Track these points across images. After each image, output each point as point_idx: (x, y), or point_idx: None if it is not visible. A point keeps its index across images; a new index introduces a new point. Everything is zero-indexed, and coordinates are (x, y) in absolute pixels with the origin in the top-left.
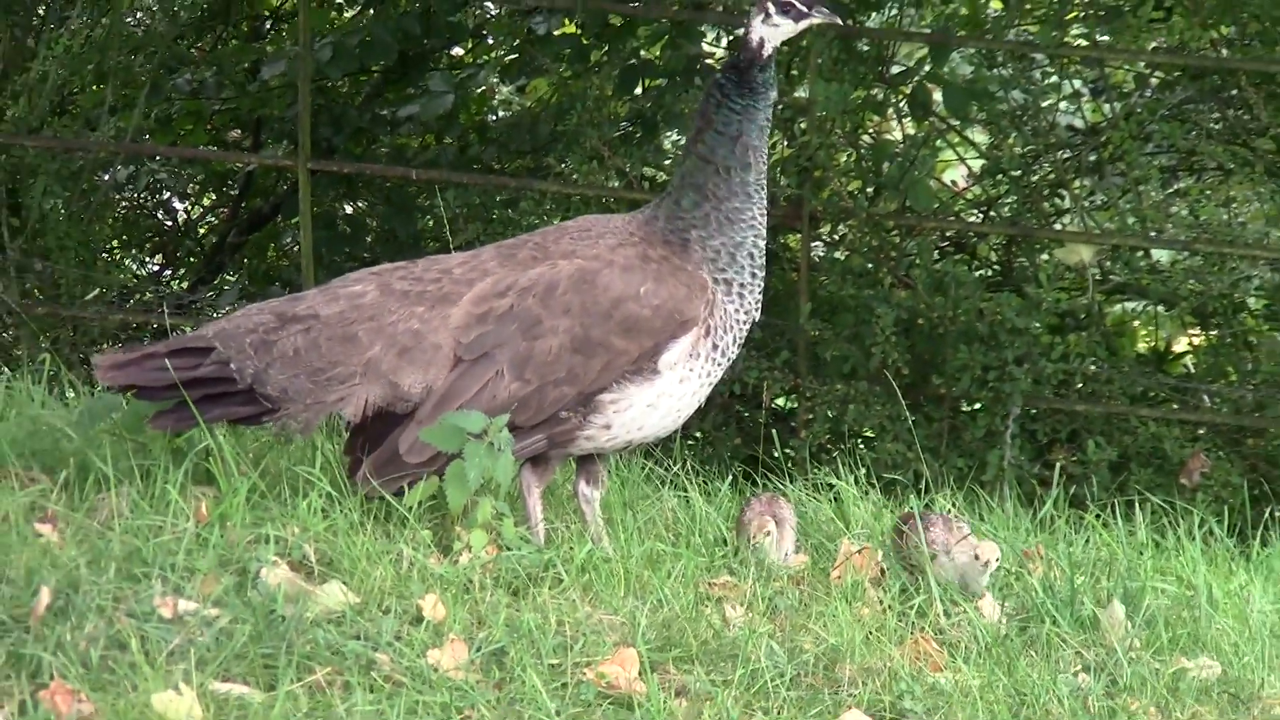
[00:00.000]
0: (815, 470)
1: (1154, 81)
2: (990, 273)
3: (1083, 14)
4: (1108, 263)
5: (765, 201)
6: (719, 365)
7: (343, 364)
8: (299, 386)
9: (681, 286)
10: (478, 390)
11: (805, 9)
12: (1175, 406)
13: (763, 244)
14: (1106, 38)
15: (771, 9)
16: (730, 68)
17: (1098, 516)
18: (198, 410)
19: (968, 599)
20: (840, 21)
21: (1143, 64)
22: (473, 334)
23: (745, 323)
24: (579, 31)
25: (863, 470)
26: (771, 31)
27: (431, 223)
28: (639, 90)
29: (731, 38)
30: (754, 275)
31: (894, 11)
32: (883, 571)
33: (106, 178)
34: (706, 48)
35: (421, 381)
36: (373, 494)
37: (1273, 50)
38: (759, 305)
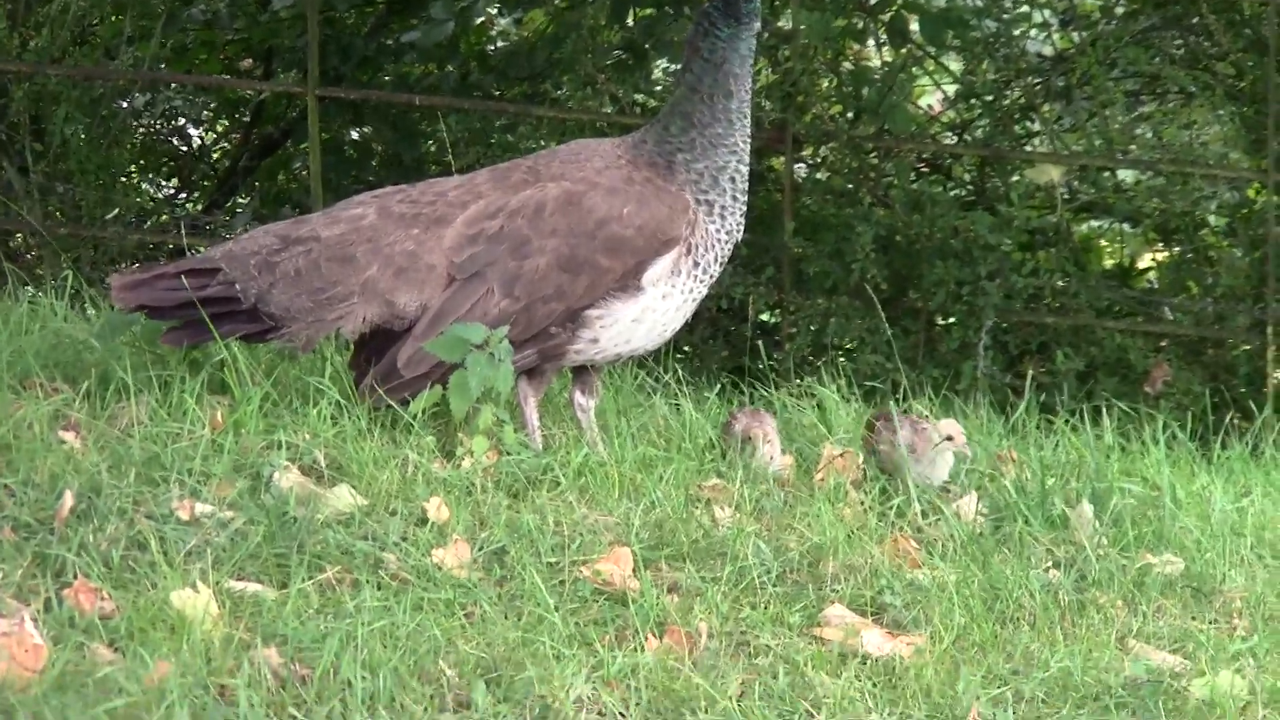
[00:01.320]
0: (799, 380)
1: (1119, 10)
2: (964, 192)
3: None
4: (1075, 182)
5: (749, 127)
6: (702, 282)
7: (341, 284)
8: (300, 305)
9: (664, 207)
10: (469, 307)
11: None
12: (1139, 319)
13: (745, 168)
14: None
15: None
16: None
17: (1067, 422)
18: (208, 326)
19: (943, 495)
20: None
21: None
22: (465, 254)
23: (727, 242)
24: None
25: (844, 380)
26: None
27: (434, 147)
28: (630, 20)
29: None
30: (735, 198)
31: None
32: (864, 474)
33: (125, 105)
34: None
35: (417, 300)
36: (378, 403)
37: None
38: (741, 226)
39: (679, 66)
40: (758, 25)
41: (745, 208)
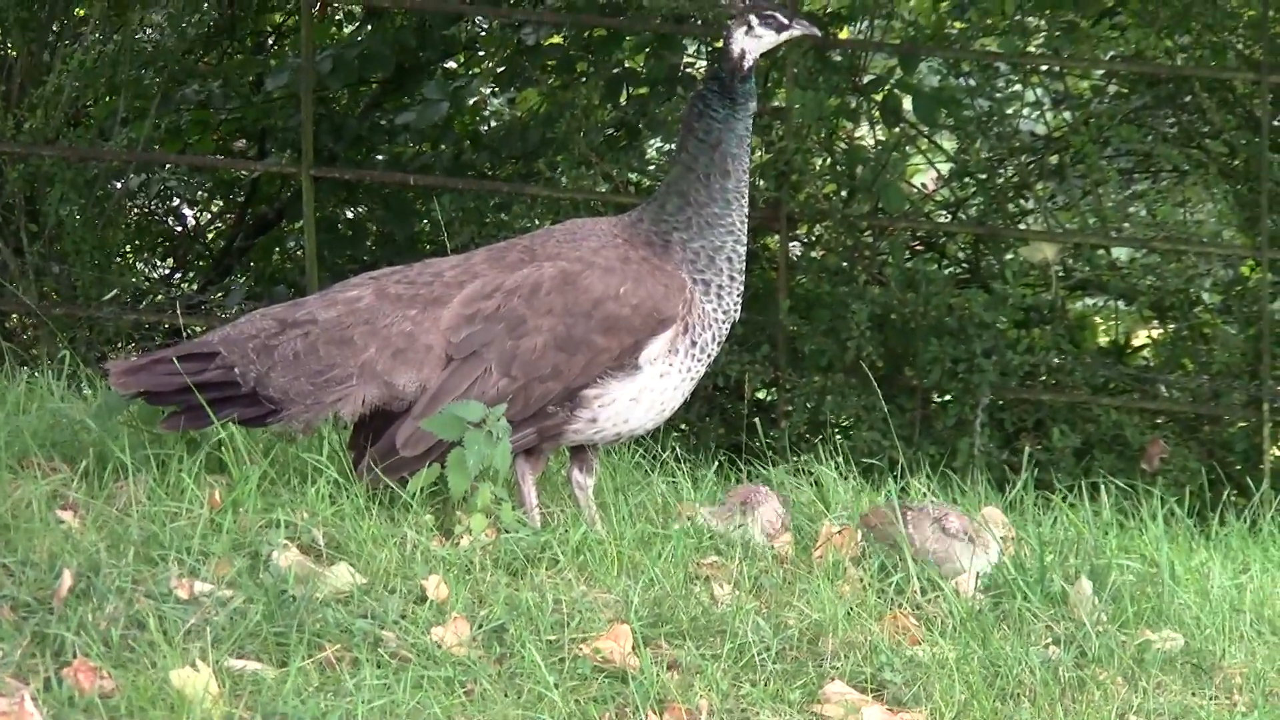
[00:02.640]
0: (796, 457)
1: (1111, 89)
2: (959, 270)
3: (1044, 26)
4: (1070, 260)
5: (745, 207)
6: (699, 361)
7: (340, 366)
8: (299, 388)
9: (660, 286)
10: (467, 387)
11: (786, 21)
12: (1135, 396)
13: (742, 249)
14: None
15: (754, 21)
16: (713, 79)
17: (1064, 499)
18: (206, 411)
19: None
20: (818, 34)
21: (1101, 72)
22: (462, 334)
23: (725, 321)
24: (565, 43)
25: (840, 457)
26: (753, 43)
27: (428, 226)
28: (623, 99)
29: (711, 49)
30: (732, 278)
31: (866, 24)
32: (863, 551)
33: (119, 185)
34: (688, 58)
35: (415, 380)
36: (377, 484)
37: (1223, 58)
38: (738, 306)
39: (674, 145)
40: (754, 106)
41: (742, 287)
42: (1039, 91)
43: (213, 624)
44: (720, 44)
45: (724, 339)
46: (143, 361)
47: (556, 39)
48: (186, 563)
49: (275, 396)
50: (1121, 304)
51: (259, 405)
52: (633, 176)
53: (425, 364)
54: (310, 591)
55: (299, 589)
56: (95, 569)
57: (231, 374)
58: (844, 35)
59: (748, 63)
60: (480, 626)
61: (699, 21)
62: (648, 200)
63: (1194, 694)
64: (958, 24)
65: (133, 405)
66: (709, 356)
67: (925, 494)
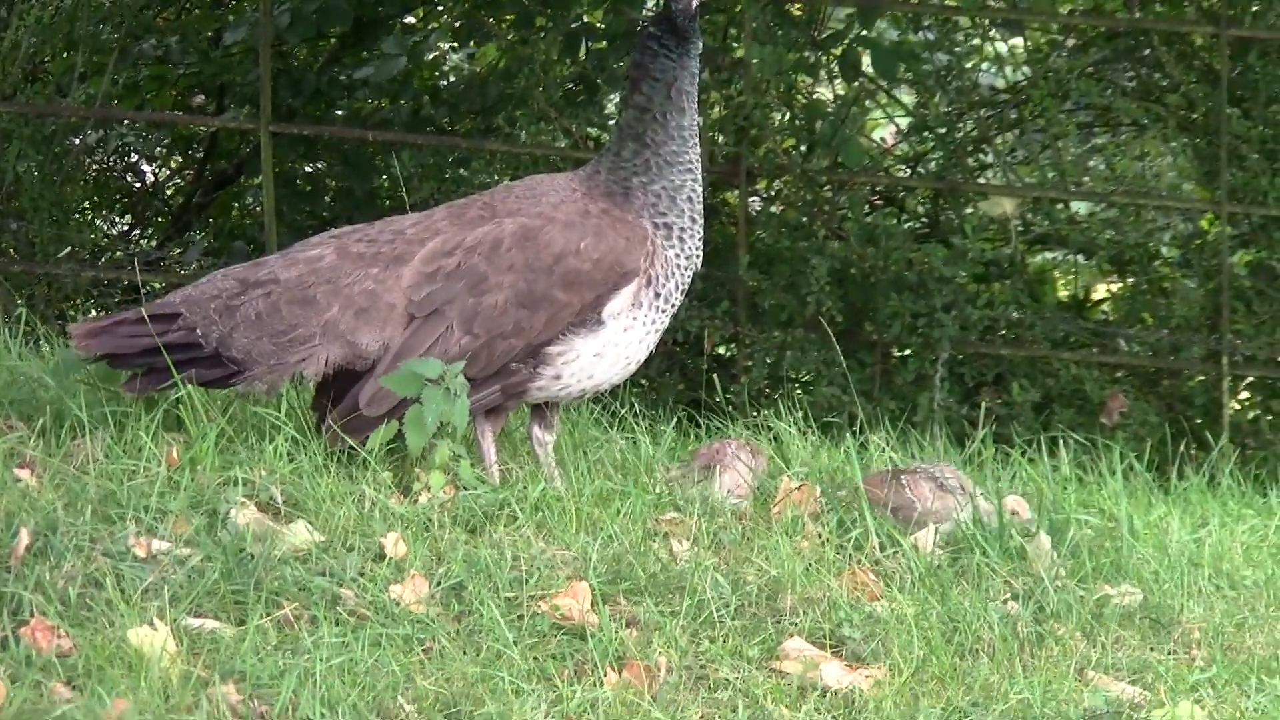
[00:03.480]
0: (755, 413)
1: (1071, 43)
2: (918, 225)
3: None
4: (1029, 214)
5: (699, 147)
6: (663, 312)
7: (302, 325)
8: (262, 349)
9: (621, 239)
10: (430, 345)
11: None
12: (1095, 350)
13: (700, 190)
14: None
15: None
16: (663, 19)
17: (1023, 453)
18: (170, 372)
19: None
20: None
21: (1059, 25)
22: (423, 292)
23: (687, 269)
24: None
25: (800, 413)
26: None
27: (387, 181)
28: (582, 54)
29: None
30: (693, 220)
31: None
32: (821, 507)
33: (77, 141)
34: (647, 13)
35: (378, 339)
36: (341, 444)
37: (1182, 11)
38: (700, 252)
39: (624, 90)
40: (700, 44)
41: (703, 231)
42: (999, 46)
43: (170, 582)
44: None
45: (687, 286)
46: (104, 323)
47: None
48: (144, 521)
49: (238, 357)
50: (1081, 258)
51: (222, 366)
52: (592, 131)
53: (388, 323)
54: (268, 549)
55: (257, 547)
56: (52, 527)
57: (194, 335)
58: None
59: (696, 1)
60: (439, 584)
61: None
62: (603, 150)
63: (1152, 649)
64: None
65: (92, 365)
66: (673, 306)
67: (884, 449)
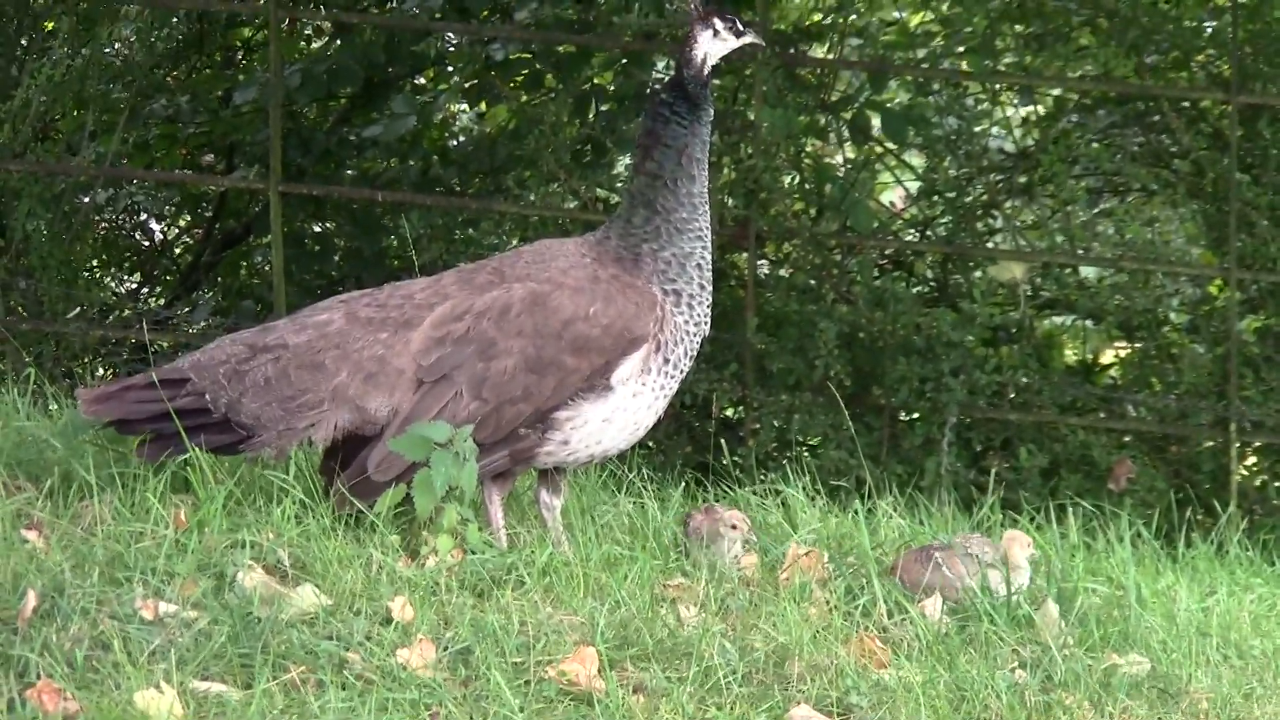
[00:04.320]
0: (762, 477)
1: (1080, 107)
2: (927, 289)
3: (1013, 42)
4: (1038, 279)
5: (709, 214)
6: (672, 378)
7: (311, 391)
8: (271, 414)
9: (631, 304)
10: (439, 410)
11: (742, 27)
12: (1102, 415)
13: (709, 256)
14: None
15: (719, 24)
16: (674, 85)
17: (1031, 520)
18: (180, 438)
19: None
20: (763, 45)
21: (1070, 90)
22: (432, 356)
23: (696, 335)
24: (534, 59)
25: (807, 477)
26: (717, 46)
27: (396, 242)
28: (591, 115)
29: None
30: (702, 287)
31: (835, 41)
32: (830, 573)
33: (87, 200)
34: (657, 75)
35: (387, 404)
36: (348, 508)
37: (1192, 77)
38: (709, 318)
39: (634, 156)
40: (712, 110)
41: (711, 298)
42: (1008, 110)
43: (177, 645)
44: (681, 48)
45: (695, 353)
46: (113, 389)
47: (525, 55)
48: (151, 583)
49: (247, 422)
50: (1089, 323)
51: (231, 432)
52: (601, 193)
53: (397, 388)
54: (275, 613)
55: (264, 610)
56: (60, 589)
57: (202, 400)
58: (812, 52)
59: (709, 67)
60: (445, 648)
61: (669, 39)
62: (613, 216)
63: (1160, 719)
64: (937, 34)
65: (96, 426)
66: (681, 372)
67: (892, 515)
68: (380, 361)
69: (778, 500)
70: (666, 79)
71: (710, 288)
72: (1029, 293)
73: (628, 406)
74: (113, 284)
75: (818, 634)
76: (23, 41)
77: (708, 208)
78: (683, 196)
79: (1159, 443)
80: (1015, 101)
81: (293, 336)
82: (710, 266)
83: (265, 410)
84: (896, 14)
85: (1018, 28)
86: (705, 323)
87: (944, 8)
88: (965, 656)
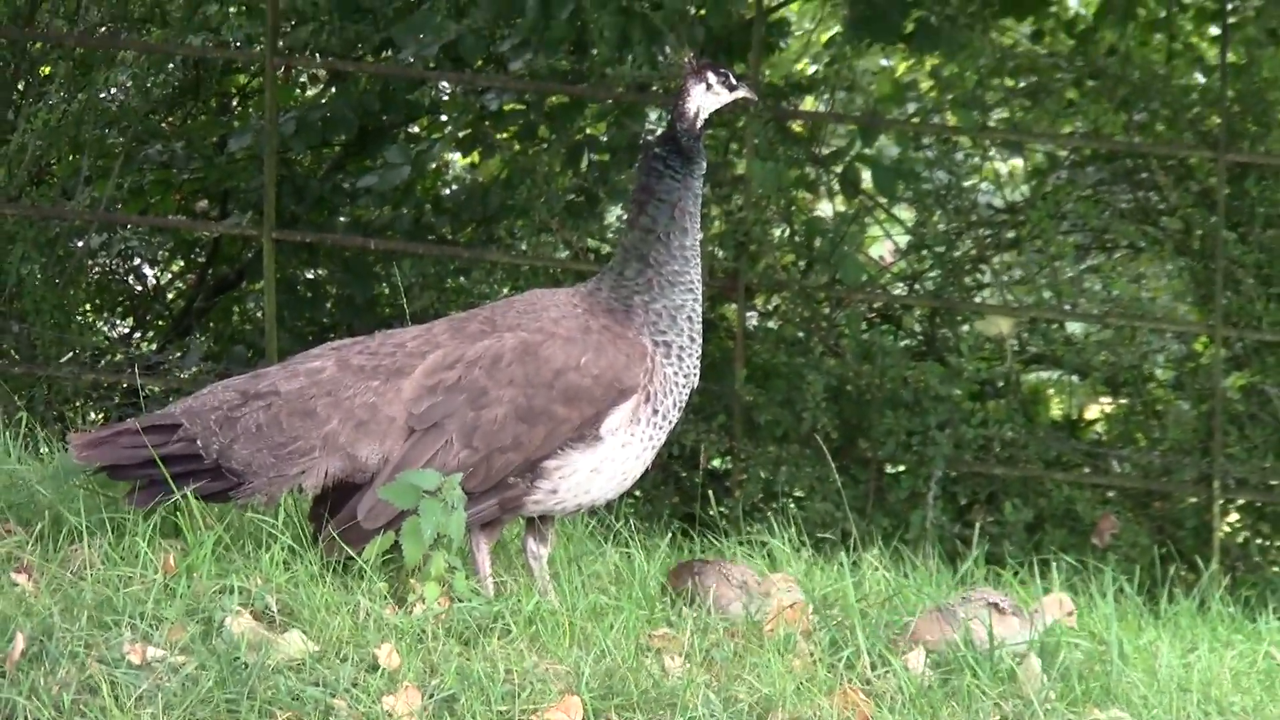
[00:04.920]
0: (749, 528)
1: (1068, 164)
2: (914, 342)
3: (1003, 98)
4: (1025, 334)
5: (700, 267)
6: (660, 429)
7: (303, 438)
8: (262, 460)
9: (621, 355)
10: (429, 458)
11: (735, 81)
12: (1087, 470)
13: (700, 309)
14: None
15: (712, 78)
16: (667, 139)
17: (1015, 574)
18: (169, 485)
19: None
20: (756, 99)
21: (1059, 146)
22: (423, 405)
23: (685, 386)
24: (527, 109)
25: (793, 529)
26: (710, 100)
27: (388, 290)
28: (584, 166)
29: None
30: (693, 339)
31: (825, 95)
32: (814, 625)
33: (81, 244)
34: (649, 126)
35: (378, 452)
36: (337, 554)
37: (1180, 135)
38: (698, 370)
39: (628, 209)
40: (704, 164)
41: (701, 350)
42: (997, 165)
43: (165, 690)
44: (675, 102)
45: (685, 404)
46: (104, 434)
47: (519, 105)
48: (140, 628)
49: (238, 469)
50: (1075, 378)
51: (222, 479)
52: (592, 243)
53: (388, 435)
54: (262, 658)
55: (251, 656)
56: (48, 633)
57: (194, 446)
58: (803, 106)
59: (701, 120)
60: (431, 696)
61: (662, 90)
62: (605, 268)
63: None
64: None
65: (86, 470)
66: (670, 423)
67: (877, 567)
68: (372, 409)
69: (763, 551)
70: (659, 132)
71: (700, 340)
72: (1016, 347)
73: (616, 457)
74: (105, 328)
75: (801, 685)
76: (19, 86)
77: (699, 260)
78: (675, 250)
79: (1143, 498)
80: (1003, 156)
81: (284, 383)
82: (700, 319)
83: (257, 457)
84: (884, 60)
85: (1008, 82)
86: (695, 374)
87: (932, 62)
88: (948, 709)
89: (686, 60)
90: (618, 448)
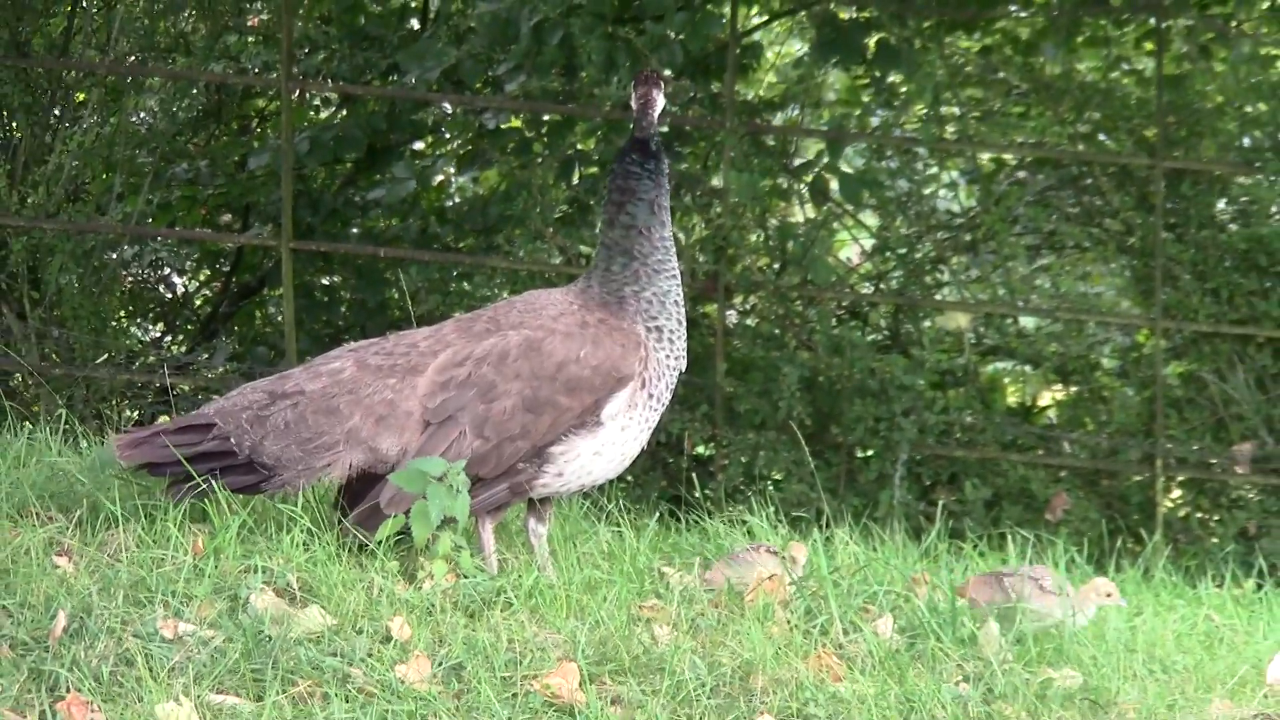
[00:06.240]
0: (730, 508)
1: (1021, 174)
2: (881, 337)
3: (958, 112)
4: (981, 328)
5: (675, 255)
6: (655, 411)
7: (327, 433)
8: (290, 455)
9: (617, 346)
10: (444, 449)
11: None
12: (1040, 452)
13: (682, 295)
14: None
15: (664, 84)
16: (636, 143)
17: (975, 547)
18: (204, 479)
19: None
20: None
21: (1010, 155)
22: (438, 400)
23: (675, 369)
24: (523, 128)
25: (771, 509)
26: (663, 103)
27: (397, 294)
28: (576, 178)
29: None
30: (679, 323)
31: (795, 111)
32: (790, 595)
33: (114, 256)
34: None
35: (397, 445)
36: (361, 538)
37: (1120, 144)
38: (685, 352)
39: (606, 211)
40: (668, 161)
41: (685, 334)
42: (954, 174)
43: (195, 662)
44: (639, 106)
45: (675, 385)
46: (144, 434)
47: (515, 123)
48: (172, 605)
49: (269, 463)
50: (1028, 368)
51: (254, 472)
52: (584, 249)
53: (406, 429)
54: (285, 631)
55: (274, 629)
56: (88, 610)
57: (228, 444)
58: (776, 121)
59: (654, 122)
60: (440, 664)
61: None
62: (590, 267)
63: None
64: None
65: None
66: (663, 405)
67: (848, 542)
68: (390, 405)
69: (744, 529)
70: (629, 138)
71: (684, 325)
72: (973, 340)
73: (616, 439)
74: (138, 332)
75: (779, 650)
76: (56, 111)
77: (673, 249)
78: (656, 241)
79: (1092, 477)
80: (963, 177)
81: (309, 383)
82: (683, 305)
83: (286, 452)
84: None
85: (965, 93)
86: (683, 357)
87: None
88: (914, 671)
89: (649, 72)
90: (617, 431)
